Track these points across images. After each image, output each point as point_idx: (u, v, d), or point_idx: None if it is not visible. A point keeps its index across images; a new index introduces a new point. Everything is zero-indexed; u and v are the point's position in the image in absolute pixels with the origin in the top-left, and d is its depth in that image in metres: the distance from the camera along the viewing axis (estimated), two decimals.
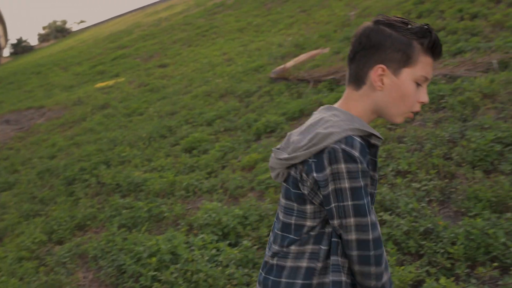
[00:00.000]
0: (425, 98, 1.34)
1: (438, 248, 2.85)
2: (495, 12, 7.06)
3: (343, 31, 9.71)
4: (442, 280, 2.58)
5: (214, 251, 3.45)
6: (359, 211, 1.26)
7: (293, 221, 1.38)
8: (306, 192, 1.32)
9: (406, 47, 1.30)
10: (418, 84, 1.32)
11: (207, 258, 3.35)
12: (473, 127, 4.00)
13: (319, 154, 1.26)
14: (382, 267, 1.31)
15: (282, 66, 8.02)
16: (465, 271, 2.69)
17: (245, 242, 3.50)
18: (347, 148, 1.23)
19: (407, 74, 1.31)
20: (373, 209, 1.37)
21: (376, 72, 1.32)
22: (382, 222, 3.21)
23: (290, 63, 8.19)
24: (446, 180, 3.54)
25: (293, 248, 1.37)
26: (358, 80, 1.36)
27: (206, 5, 21.93)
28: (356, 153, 1.23)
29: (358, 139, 1.25)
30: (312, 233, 1.36)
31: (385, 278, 1.32)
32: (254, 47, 11.54)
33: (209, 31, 16.08)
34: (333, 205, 1.27)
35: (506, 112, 4.12)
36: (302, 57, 8.59)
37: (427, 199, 3.38)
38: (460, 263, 2.73)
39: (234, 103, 7.29)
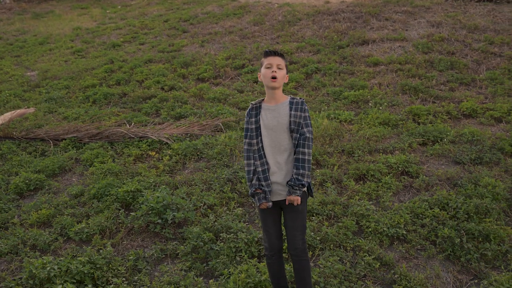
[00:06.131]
0: (271, 71, 3.02)
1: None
2: (189, 86, 9.09)
3: (37, 91, 9.81)
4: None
5: None
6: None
7: None
8: None
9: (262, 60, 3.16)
10: (268, 68, 3.04)
11: None
12: (239, 170, 5.55)
13: None
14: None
15: None
16: None
17: (115, 280, 3.84)
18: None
19: (262, 68, 3.09)
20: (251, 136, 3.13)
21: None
22: (223, 240, 4.28)
23: None
24: (241, 208, 4.93)
25: None
26: None
27: None
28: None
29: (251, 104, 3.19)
30: None
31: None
32: None
33: None
34: None
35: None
36: (8, 115, 8.29)
37: (242, 219, 4.67)
38: None
39: None
